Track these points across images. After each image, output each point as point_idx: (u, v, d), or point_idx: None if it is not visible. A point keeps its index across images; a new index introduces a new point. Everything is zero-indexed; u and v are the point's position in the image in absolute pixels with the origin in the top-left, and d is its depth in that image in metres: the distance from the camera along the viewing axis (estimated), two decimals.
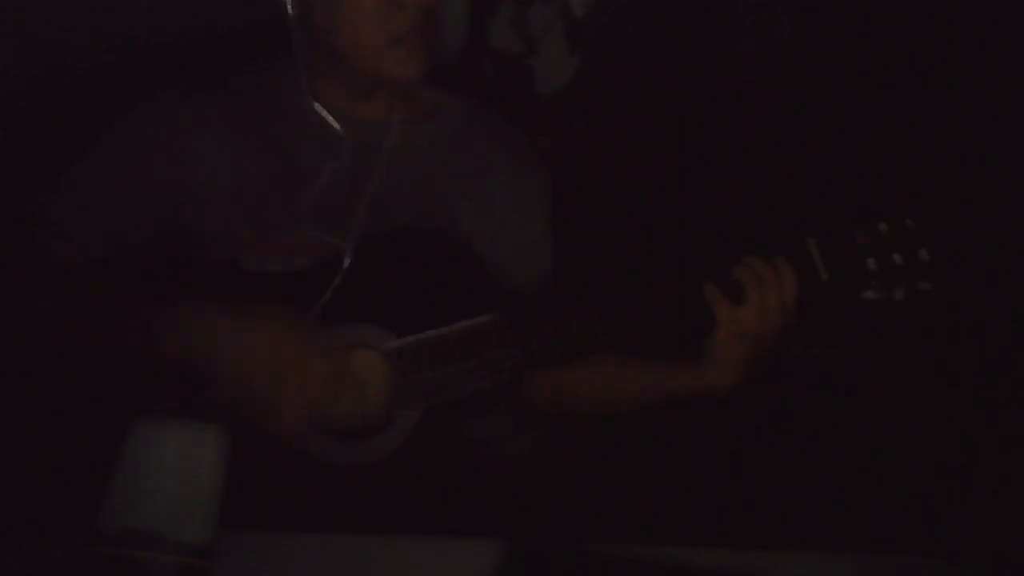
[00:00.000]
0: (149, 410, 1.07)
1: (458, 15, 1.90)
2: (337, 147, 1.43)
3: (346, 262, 1.38)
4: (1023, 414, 1.79)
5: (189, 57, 1.60)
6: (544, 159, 1.61)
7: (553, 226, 1.56)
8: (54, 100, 1.70)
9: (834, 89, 1.94)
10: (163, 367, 1.26)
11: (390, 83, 1.42)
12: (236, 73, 1.48)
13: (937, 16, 1.88)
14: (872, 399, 1.86)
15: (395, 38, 1.36)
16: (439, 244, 1.43)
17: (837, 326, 1.41)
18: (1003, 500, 1.74)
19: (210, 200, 1.42)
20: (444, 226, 1.46)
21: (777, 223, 1.44)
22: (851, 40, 1.94)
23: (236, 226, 1.41)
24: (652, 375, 1.45)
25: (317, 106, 1.44)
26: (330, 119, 1.44)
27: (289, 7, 1.40)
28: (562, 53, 1.97)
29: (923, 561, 1.25)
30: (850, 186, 1.85)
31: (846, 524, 1.68)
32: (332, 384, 1.30)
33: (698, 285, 1.35)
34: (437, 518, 1.34)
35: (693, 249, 1.38)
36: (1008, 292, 1.72)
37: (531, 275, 1.53)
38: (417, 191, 1.46)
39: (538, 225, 1.54)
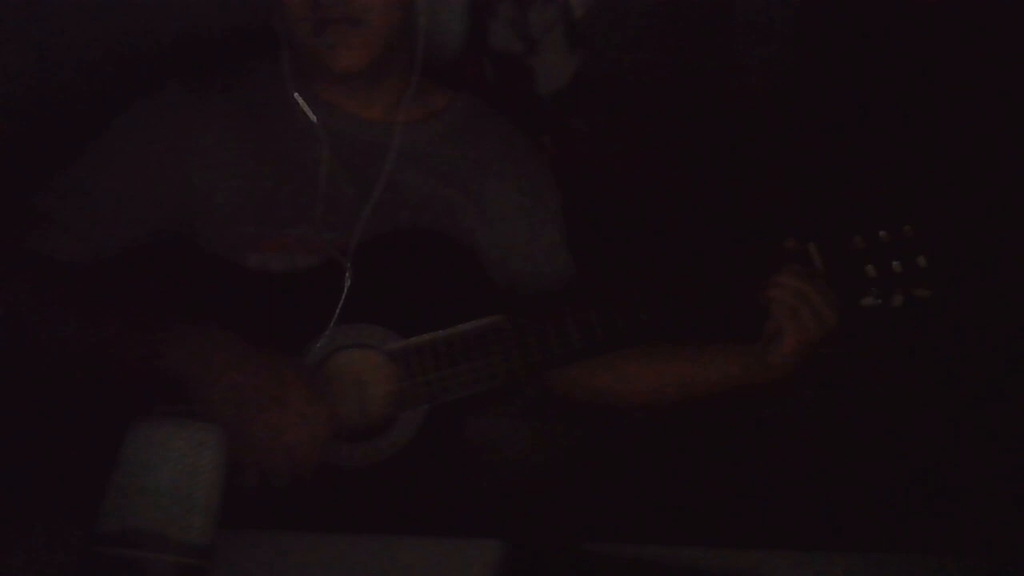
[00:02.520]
0: (149, 410, 1.07)
1: (458, 15, 1.89)
2: (338, 145, 1.43)
3: (348, 266, 1.38)
4: (1023, 414, 1.79)
5: (189, 57, 1.60)
6: (545, 159, 1.61)
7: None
8: (54, 100, 1.70)
9: (834, 91, 1.94)
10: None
11: (331, 74, 1.40)
12: (236, 73, 1.48)
13: (938, 20, 1.88)
14: (872, 399, 1.86)
15: (315, 23, 1.35)
16: (441, 244, 1.43)
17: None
18: (1003, 500, 1.74)
19: (211, 199, 1.42)
20: (446, 226, 1.46)
21: (777, 225, 1.44)
22: (851, 41, 1.94)
23: (237, 225, 1.41)
24: (716, 361, 1.44)
25: (296, 96, 1.43)
26: (308, 110, 1.43)
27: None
28: (562, 53, 1.97)
29: (923, 561, 1.26)
30: (849, 188, 1.85)
31: (846, 524, 1.68)
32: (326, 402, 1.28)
33: (759, 288, 1.37)
34: (437, 518, 1.34)
35: (720, 255, 1.40)
36: (1007, 295, 1.72)
37: (534, 276, 1.52)
38: (418, 191, 1.46)
39: (539, 226, 1.54)
